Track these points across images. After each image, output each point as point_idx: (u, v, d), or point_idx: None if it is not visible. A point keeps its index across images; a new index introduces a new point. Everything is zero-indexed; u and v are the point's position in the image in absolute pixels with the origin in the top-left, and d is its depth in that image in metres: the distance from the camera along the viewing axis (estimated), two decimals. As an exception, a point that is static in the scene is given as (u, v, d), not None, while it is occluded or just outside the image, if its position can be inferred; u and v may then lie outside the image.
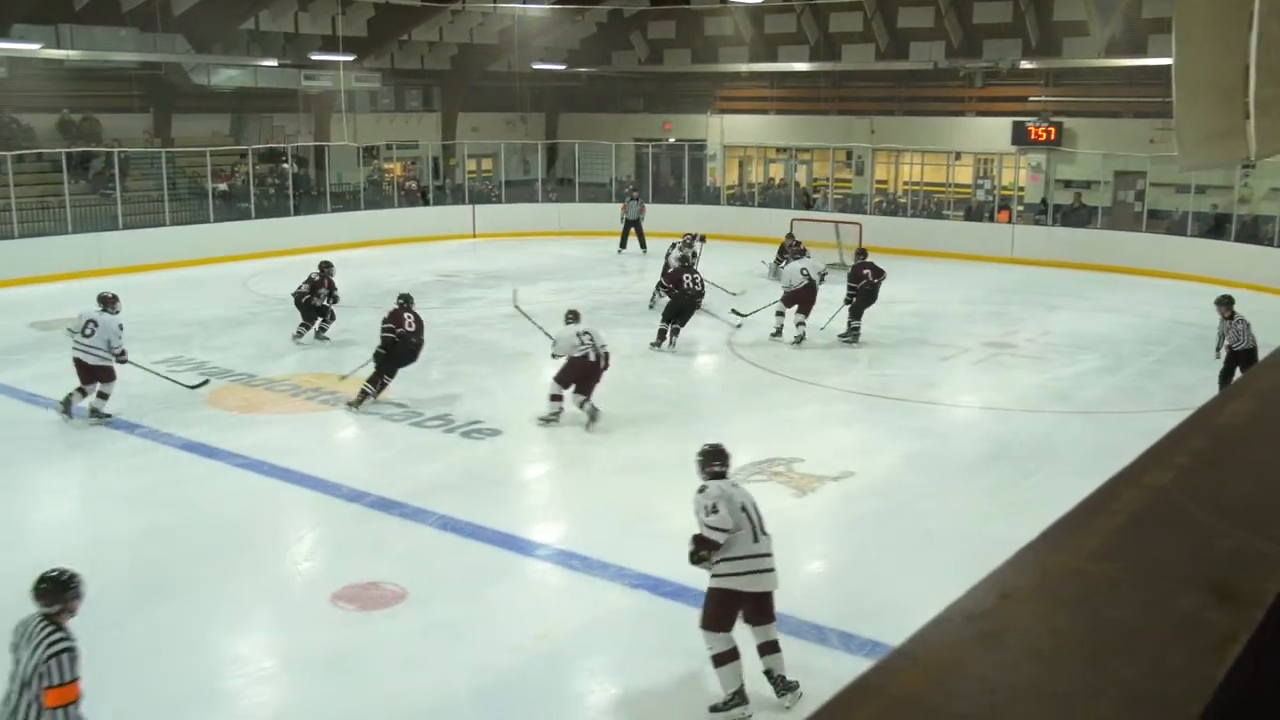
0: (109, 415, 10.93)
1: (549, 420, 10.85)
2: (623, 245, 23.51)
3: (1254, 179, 21.52)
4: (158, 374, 11.93)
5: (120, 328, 10.96)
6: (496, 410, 11.45)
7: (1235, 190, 21.58)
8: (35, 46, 20.81)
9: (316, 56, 25.22)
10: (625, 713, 6.03)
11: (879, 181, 28.21)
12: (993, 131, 26.10)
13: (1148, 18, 23.09)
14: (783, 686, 5.89)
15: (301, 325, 14.55)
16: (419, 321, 11.72)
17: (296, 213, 23.97)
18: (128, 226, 20.86)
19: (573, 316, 11.30)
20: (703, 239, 18.37)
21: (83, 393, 10.85)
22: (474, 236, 25.79)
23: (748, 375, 13.29)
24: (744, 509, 5.88)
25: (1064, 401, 12.13)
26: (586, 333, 10.90)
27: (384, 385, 11.51)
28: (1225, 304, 11.58)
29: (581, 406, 10.82)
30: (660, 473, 9.37)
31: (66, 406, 10.87)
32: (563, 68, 30.71)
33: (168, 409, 11.29)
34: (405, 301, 11.90)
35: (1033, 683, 0.67)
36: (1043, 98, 26.05)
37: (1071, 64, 25.24)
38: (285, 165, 25.20)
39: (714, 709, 5.84)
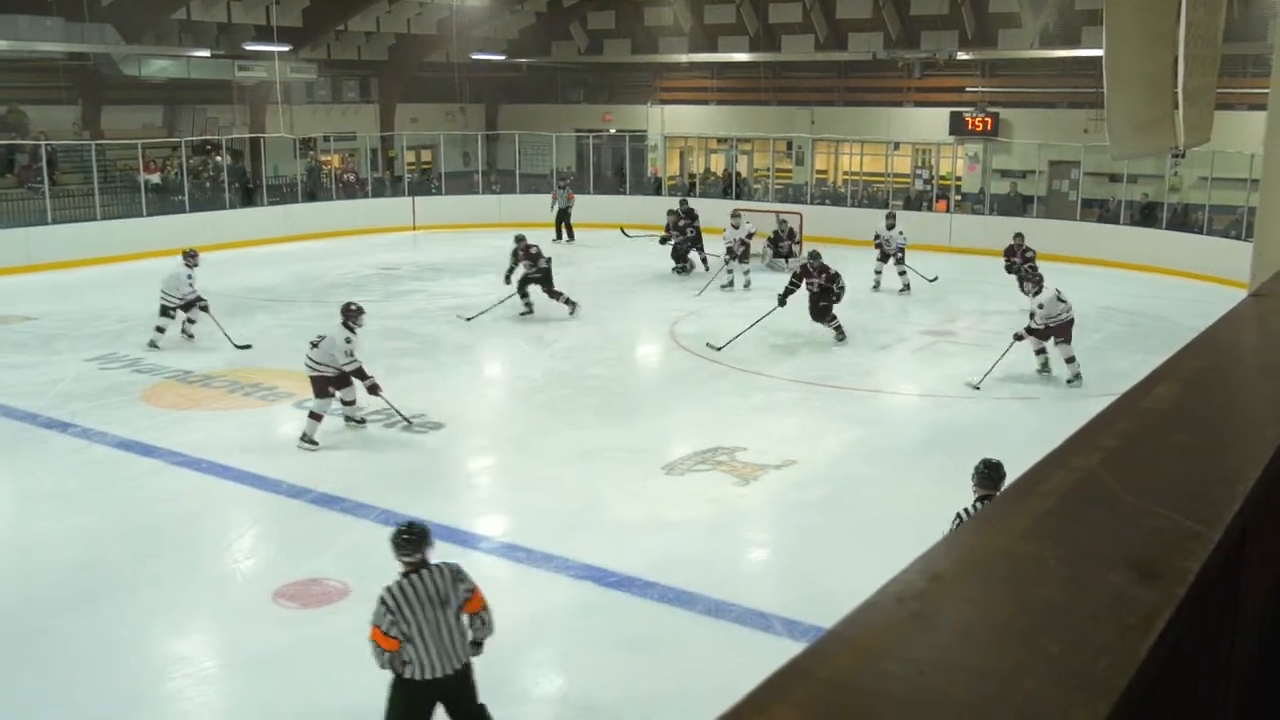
0: None
1: None
2: (558, 236, 23.43)
3: (1183, 168, 22.02)
4: None
5: None
6: (438, 404, 11.37)
7: (1166, 179, 22.10)
8: (-44, 37, 20.29)
9: (251, 47, 24.77)
10: (571, 704, 6.04)
11: (819, 171, 28.39)
12: (931, 122, 26.40)
13: (1081, 9, 23.50)
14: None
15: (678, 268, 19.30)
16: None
17: (232, 206, 23.61)
18: (57, 221, 20.41)
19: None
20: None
21: None
22: (414, 229, 25.57)
23: (689, 364, 13.33)
24: None
25: (1001, 387, 12.32)
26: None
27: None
28: None
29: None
30: (602, 464, 9.37)
31: None
32: (502, 58, 30.52)
33: (101, 407, 11.08)
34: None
35: (962, 662, 0.68)
36: (979, 88, 26.41)
37: (1007, 55, 25.61)
38: (220, 158, 24.79)
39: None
